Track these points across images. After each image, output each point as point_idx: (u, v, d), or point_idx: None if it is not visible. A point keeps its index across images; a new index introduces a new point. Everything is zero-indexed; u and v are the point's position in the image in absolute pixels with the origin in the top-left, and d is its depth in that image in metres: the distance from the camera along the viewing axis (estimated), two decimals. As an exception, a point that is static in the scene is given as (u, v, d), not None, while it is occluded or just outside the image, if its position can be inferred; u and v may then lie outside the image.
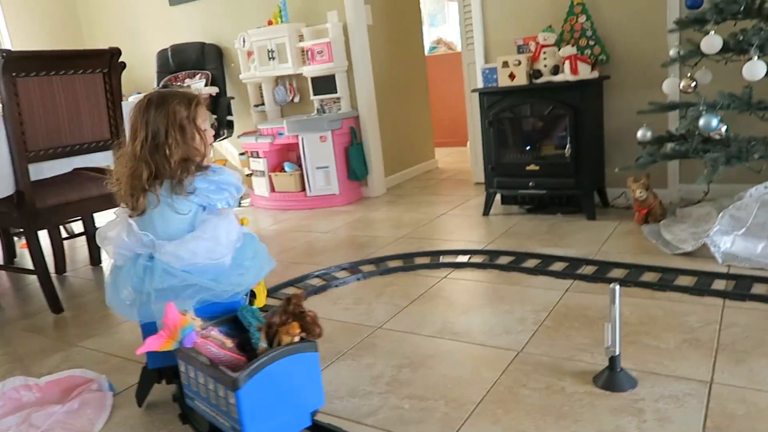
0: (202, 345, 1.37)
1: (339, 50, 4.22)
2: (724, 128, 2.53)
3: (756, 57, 2.41)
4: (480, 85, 3.56)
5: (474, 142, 4.37)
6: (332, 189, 4.22)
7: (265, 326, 1.42)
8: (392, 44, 4.74)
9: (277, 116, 4.65)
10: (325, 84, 4.31)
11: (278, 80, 4.63)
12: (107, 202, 2.70)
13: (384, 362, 1.84)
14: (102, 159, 2.73)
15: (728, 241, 2.41)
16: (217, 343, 1.39)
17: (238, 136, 4.68)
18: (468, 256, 2.72)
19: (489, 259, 2.67)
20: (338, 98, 4.34)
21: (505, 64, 3.30)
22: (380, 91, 4.53)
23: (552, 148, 3.31)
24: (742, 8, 2.52)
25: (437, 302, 2.28)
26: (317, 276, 2.68)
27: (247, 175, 4.61)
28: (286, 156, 4.49)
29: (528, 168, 3.29)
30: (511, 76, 3.29)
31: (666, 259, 2.47)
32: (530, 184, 3.28)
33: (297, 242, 3.37)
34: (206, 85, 4.76)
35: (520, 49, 3.49)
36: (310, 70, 4.28)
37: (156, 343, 1.33)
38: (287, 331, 1.37)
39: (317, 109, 4.41)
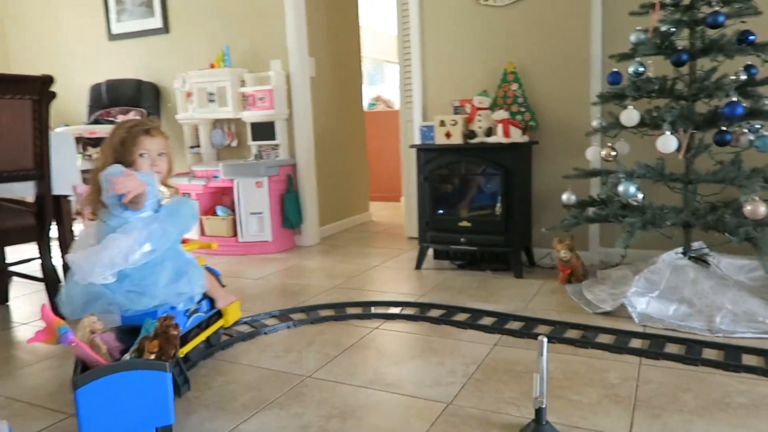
0: (76, 346, 1.54)
1: (280, 98, 4.27)
2: (640, 196, 2.72)
3: (668, 132, 2.63)
4: (417, 141, 3.68)
5: (408, 197, 4.47)
6: (265, 236, 4.17)
7: (142, 340, 1.60)
8: (333, 97, 4.83)
9: (212, 159, 4.61)
10: (264, 130, 4.32)
11: (216, 123, 4.61)
12: (23, 235, 2.55)
13: (313, 412, 1.80)
14: (21, 189, 2.59)
15: (644, 303, 2.56)
16: (91, 346, 1.58)
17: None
18: (400, 308, 2.73)
19: (420, 312, 2.70)
20: (277, 145, 4.36)
21: (442, 123, 3.44)
22: (319, 142, 4.58)
23: (484, 206, 3.44)
24: (656, 87, 2.78)
25: (368, 352, 2.27)
26: (246, 322, 2.62)
27: (177, 217, 4.47)
28: (220, 200, 4.43)
29: (460, 224, 3.40)
30: (448, 135, 3.43)
31: (588, 317, 2.58)
32: (462, 240, 3.38)
33: (227, 288, 3.28)
34: (140, 122, 4.64)
35: (457, 110, 3.66)
36: (250, 116, 4.29)
37: (41, 337, 1.54)
38: (148, 348, 1.55)
39: (255, 155, 4.41)
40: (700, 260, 2.87)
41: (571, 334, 2.38)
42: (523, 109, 3.53)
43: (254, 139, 4.36)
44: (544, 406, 1.59)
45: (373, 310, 2.74)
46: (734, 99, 2.52)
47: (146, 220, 1.86)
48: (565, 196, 3.19)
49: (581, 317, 2.58)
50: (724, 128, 2.62)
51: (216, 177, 4.21)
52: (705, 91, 2.65)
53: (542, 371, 1.56)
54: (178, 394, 1.87)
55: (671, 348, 2.21)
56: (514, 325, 2.50)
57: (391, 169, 6.38)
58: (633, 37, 2.80)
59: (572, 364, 2.10)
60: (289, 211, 4.25)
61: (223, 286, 2.36)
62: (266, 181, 4.12)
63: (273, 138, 4.31)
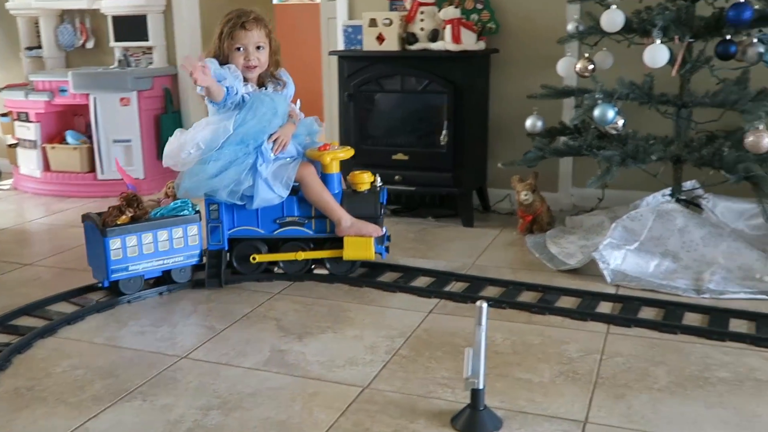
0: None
1: (154, -18, 4.13)
2: (621, 122, 2.80)
3: (659, 41, 2.69)
4: (340, 46, 3.62)
5: (330, 120, 4.43)
6: (135, 171, 4.08)
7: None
8: (229, -18, 4.68)
9: (59, 65, 4.44)
10: (131, 27, 4.17)
11: (65, 16, 4.42)
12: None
13: (186, 403, 1.80)
14: None
15: (619, 257, 2.67)
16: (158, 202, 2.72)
17: (0, 89, 4.36)
18: (311, 266, 2.75)
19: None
20: (150, 48, 4.23)
21: (373, 23, 3.39)
22: (210, 44, 4.44)
23: (425, 134, 3.44)
24: (646, -18, 2.82)
25: (265, 325, 2.28)
26: (99, 287, 2.57)
27: (10, 146, 4.32)
28: (70, 123, 4.31)
29: (395, 157, 3.41)
30: (380, 39, 3.39)
31: (549, 276, 2.68)
32: (397, 178, 3.39)
33: (79, 241, 3.17)
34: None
35: (393, 6, 3.61)
36: (112, 6, 4.14)
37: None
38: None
39: (119, 61, 4.27)
40: (692, 204, 3.01)
41: (527, 297, 2.47)
42: (480, 7, 3.51)
43: (118, 40, 4.21)
44: (480, 388, 1.66)
45: (276, 269, 2.74)
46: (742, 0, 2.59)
47: (210, 120, 2.54)
48: (529, 122, 3.24)
49: (541, 276, 2.67)
50: (728, 37, 2.70)
51: (63, 91, 4.06)
52: (707, -12, 2.72)
53: (479, 345, 1.62)
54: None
55: (647, 313, 2.33)
56: (456, 287, 2.56)
57: (311, 81, 6.25)
58: None
59: (525, 334, 2.18)
60: (167, 139, 4.12)
61: (377, 217, 2.65)
62: (135, 97, 4.01)
63: (144, 38, 4.17)
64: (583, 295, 2.46)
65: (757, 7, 2.70)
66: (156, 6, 4.15)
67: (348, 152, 2.69)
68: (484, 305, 1.62)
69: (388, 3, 3.62)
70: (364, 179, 2.69)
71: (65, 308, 2.42)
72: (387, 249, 2.73)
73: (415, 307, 2.41)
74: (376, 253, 2.61)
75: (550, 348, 2.09)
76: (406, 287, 2.56)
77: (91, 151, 4.12)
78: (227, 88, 2.45)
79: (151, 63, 4.26)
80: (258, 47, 2.54)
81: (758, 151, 2.56)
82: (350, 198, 2.66)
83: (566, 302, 2.42)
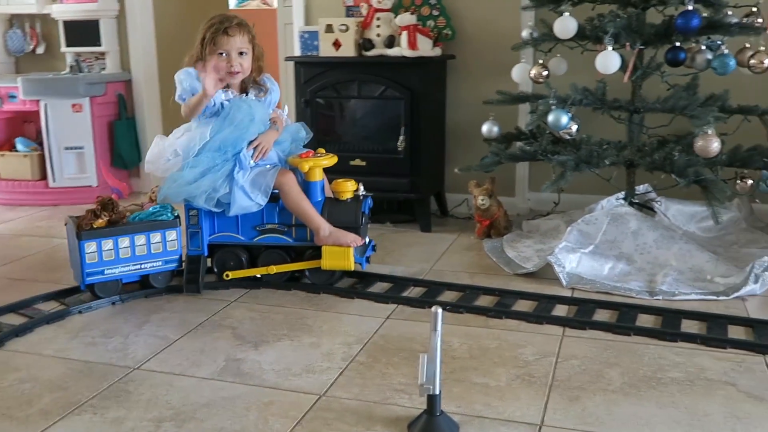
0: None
1: (106, -13, 4.08)
2: (575, 127, 2.84)
3: (610, 47, 2.74)
4: (297, 52, 3.61)
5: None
6: (88, 179, 4.04)
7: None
8: (184, -12, 4.64)
9: (8, 71, 4.38)
10: (84, 32, 4.13)
11: (14, 20, 4.36)
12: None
13: (138, 415, 1.77)
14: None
15: (574, 260, 2.71)
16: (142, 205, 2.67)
17: (-54, 96, 4.26)
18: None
19: (292, 277, 2.71)
20: (102, 53, 4.20)
21: (329, 29, 3.39)
22: (165, 49, 4.40)
23: (383, 140, 3.44)
24: (599, -11, 2.86)
25: (221, 333, 2.26)
26: (53, 298, 2.55)
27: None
28: (20, 129, 4.25)
29: (352, 163, 3.40)
30: (336, 45, 3.39)
31: (506, 279, 2.70)
32: (355, 183, 3.38)
33: (29, 251, 3.18)
34: None
35: (350, 11, 3.61)
36: (63, 11, 4.09)
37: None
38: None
39: (71, 66, 4.21)
40: (645, 207, 3.07)
41: (484, 301, 2.49)
42: (436, 13, 3.54)
43: (70, 45, 4.16)
44: (436, 393, 1.66)
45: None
46: (690, 8, 2.65)
47: (189, 126, 2.59)
48: (485, 128, 3.27)
49: (498, 280, 2.69)
50: (677, 44, 2.76)
51: (13, 97, 3.99)
52: (656, -4, 2.77)
53: (434, 350, 1.62)
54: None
55: (601, 315, 2.36)
56: (414, 292, 2.57)
57: (269, 89, 6.26)
58: None
59: (481, 338, 2.19)
60: (121, 146, 4.12)
61: (357, 226, 2.60)
62: (87, 104, 3.96)
63: (97, 43, 4.13)
64: (540, 298, 2.48)
65: (705, 15, 2.77)
66: (109, 11, 4.10)
67: (331, 159, 2.66)
68: (439, 311, 1.62)
69: (344, 9, 3.62)
70: (347, 188, 2.65)
71: (13, 320, 2.36)
72: (368, 260, 2.70)
73: (372, 312, 2.41)
74: (356, 263, 2.57)
75: (507, 352, 2.10)
76: (363, 293, 2.55)
77: (42, 158, 4.04)
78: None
79: (104, 68, 4.20)
80: (241, 53, 2.55)
81: (707, 155, 2.62)
82: (332, 206, 2.63)
83: (523, 306, 2.44)
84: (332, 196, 2.67)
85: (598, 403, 1.81)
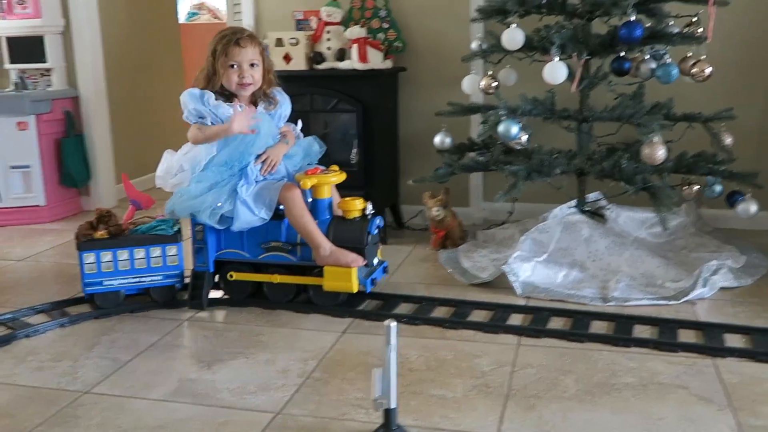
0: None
1: (51, 2, 4.01)
2: (525, 137, 2.87)
3: (557, 58, 2.78)
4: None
5: (242, 141, 4.39)
6: (35, 198, 3.96)
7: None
8: (132, 3, 4.59)
9: (-50, 89, 4.21)
10: (28, 48, 4.05)
11: (-46, 37, 4.20)
12: None
13: (88, 441, 1.73)
14: None
15: (528, 269, 2.73)
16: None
17: None
18: (220, 291, 2.69)
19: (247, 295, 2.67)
20: (48, 70, 4.12)
21: (279, 42, 3.38)
22: (113, 65, 4.35)
23: (336, 152, 3.43)
24: (544, 1, 2.90)
25: (174, 354, 2.23)
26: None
27: None
28: (-37, 148, 4.07)
29: (306, 177, 3.37)
30: (287, 59, 3.38)
31: (462, 290, 2.71)
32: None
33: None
34: None
35: (300, 25, 3.60)
36: (6, 27, 4.02)
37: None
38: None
39: (15, 84, 4.13)
40: (597, 214, 3.11)
41: (440, 312, 2.49)
42: (386, 26, 3.55)
43: (13, 62, 4.09)
44: (392, 407, 1.65)
45: (236, 276, 2.64)
46: (632, 18, 2.71)
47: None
48: (438, 139, 3.29)
49: (454, 291, 2.70)
50: (622, 54, 2.82)
51: (-45, 116, 3.86)
52: (600, 7, 2.82)
53: (389, 364, 1.61)
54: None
55: (556, 323, 2.38)
56: (370, 306, 2.56)
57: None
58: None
59: (438, 350, 2.19)
60: (70, 164, 4.04)
61: (362, 246, 2.50)
62: (33, 121, 3.88)
63: (42, 59, 4.05)
64: (495, 308, 2.50)
65: (648, 25, 2.83)
66: (54, 27, 4.02)
67: (340, 176, 2.57)
68: (393, 324, 1.62)
69: (294, 23, 3.62)
70: (355, 206, 2.55)
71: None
72: (374, 282, 2.56)
73: (328, 327, 2.39)
74: (360, 284, 2.47)
75: (463, 362, 2.11)
76: (319, 308, 2.53)
77: (-14, 178, 3.93)
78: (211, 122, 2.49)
79: (50, 85, 4.11)
80: (252, 64, 2.54)
81: (654, 162, 2.68)
82: (337, 225, 2.54)
83: (478, 316, 2.45)
84: (340, 215, 2.59)
85: (554, 410, 1.82)
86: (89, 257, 2.52)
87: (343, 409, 1.85)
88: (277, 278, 2.56)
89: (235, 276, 2.60)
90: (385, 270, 2.69)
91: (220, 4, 6.93)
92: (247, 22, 3.84)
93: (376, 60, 3.34)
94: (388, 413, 1.66)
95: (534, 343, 2.24)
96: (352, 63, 3.30)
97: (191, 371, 2.10)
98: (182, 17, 6.55)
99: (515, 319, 2.42)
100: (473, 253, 3.10)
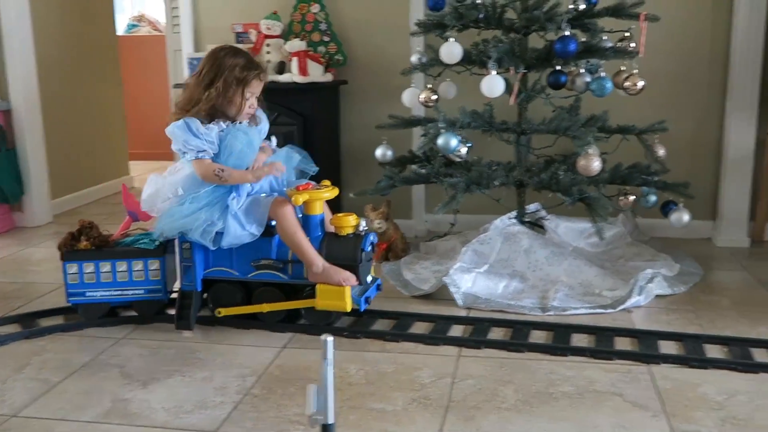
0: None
1: (-21, 12, 3.87)
2: (464, 150, 2.90)
3: (494, 72, 2.82)
4: (186, 78, 3.53)
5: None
6: (-36, 215, 3.79)
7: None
8: (67, 13, 4.49)
9: None
10: (-44, 60, 3.90)
11: None
12: None
13: (13, 467, 1.66)
14: None
15: (469, 280, 2.75)
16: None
17: None
18: (157, 309, 2.63)
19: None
20: (-23, 82, 3.96)
21: (219, 55, 3.34)
22: (47, 77, 4.23)
23: (277, 165, 3.42)
24: (482, 15, 2.95)
25: (107, 373, 2.17)
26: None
27: None
28: None
29: (247, 191, 3.34)
30: (226, 71, 3.34)
31: (403, 302, 2.72)
32: (250, 211, 3.33)
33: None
34: None
35: (239, 38, 3.58)
36: (-68, 38, 3.83)
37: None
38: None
39: (-58, 96, 3.96)
40: (536, 225, 3.16)
41: (381, 325, 2.49)
42: (326, 39, 3.55)
43: (-59, 73, 3.91)
44: (329, 423, 1.63)
45: (224, 312, 2.57)
46: (567, 33, 2.76)
47: (186, 163, 2.46)
48: (379, 152, 3.29)
49: (395, 303, 2.70)
50: (558, 68, 2.88)
51: None
52: (536, 22, 2.88)
53: (326, 379, 1.59)
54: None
55: (496, 333, 2.40)
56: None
57: (160, 116, 6.10)
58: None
59: (378, 363, 2.19)
60: (1, 179, 3.90)
61: (355, 264, 2.42)
62: (-38, 136, 3.73)
63: (-29, 72, 3.90)
64: (436, 319, 2.50)
65: (582, 39, 2.90)
66: (-17, 38, 3.90)
67: (333, 191, 2.51)
68: (329, 339, 1.60)
69: (233, 35, 3.59)
70: (348, 222, 2.46)
71: None
72: (368, 300, 2.49)
73: (267, 343, 2.36)
74: (354, 303, 2.41)
75: (403, 375, 2.11)
76: (258, 323, 2.50)
77: None
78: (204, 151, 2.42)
79: (-21, 98, 3.98)
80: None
81: (590, 173, 2.73)
82: (330, 242, 2.45)
83: (419, 328, 2.46)
84: (333, 231, 2.51)
85: (493, 422, 1.83)
86: (72, 267, 2.51)
87: (282, 426, 1.83)
88: (266, 307, 2.47)
89: (224, 312, 2.50)
90: (378, 287, 2.62)
91: (160, 17, 6.85)
92: (186, 34, 3.80)
93: (317, 73, 3.34)
94: (326, 429, 1.64)
95: (474, 354, 2.25)
96: (292, 76, 3.29)
97: (125, 391, 2.04)
98: (121, 29, 6.45)
99: (456, 331, 2.43)
100: (415, 265, 3.11)
